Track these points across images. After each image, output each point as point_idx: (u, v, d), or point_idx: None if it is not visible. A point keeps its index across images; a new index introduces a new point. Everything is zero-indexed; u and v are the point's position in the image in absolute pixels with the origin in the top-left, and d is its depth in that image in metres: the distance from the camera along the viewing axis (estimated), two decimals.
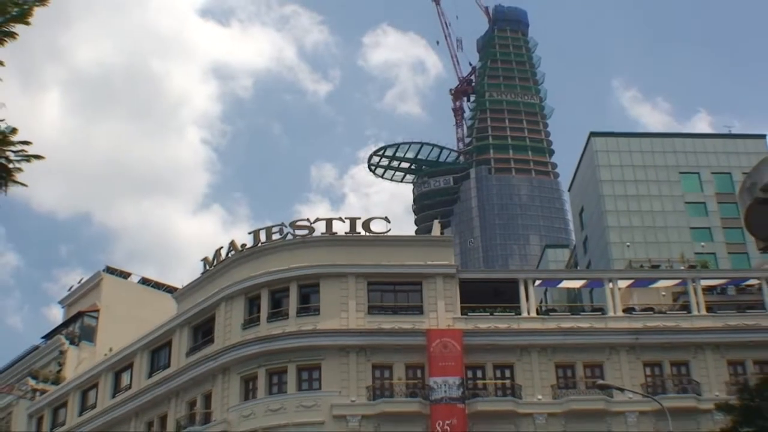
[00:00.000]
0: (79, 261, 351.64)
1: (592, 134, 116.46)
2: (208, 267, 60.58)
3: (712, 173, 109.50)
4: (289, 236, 57.77)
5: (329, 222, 57.92)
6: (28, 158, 10.41)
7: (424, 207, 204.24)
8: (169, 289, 77.23)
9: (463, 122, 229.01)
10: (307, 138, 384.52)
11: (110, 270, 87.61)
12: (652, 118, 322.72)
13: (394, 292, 55.87)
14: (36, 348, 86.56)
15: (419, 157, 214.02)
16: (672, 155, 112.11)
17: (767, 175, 39.39)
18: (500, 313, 56.07)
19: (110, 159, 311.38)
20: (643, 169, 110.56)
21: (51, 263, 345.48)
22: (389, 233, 57.86)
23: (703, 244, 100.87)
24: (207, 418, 55.90)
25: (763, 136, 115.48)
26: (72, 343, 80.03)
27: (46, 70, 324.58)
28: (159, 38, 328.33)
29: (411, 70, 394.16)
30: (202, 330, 59.72)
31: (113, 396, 65.34)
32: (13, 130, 10.05)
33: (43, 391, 75.48)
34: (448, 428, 51.07)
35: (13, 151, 10.26)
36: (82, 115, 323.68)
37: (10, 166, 10.26)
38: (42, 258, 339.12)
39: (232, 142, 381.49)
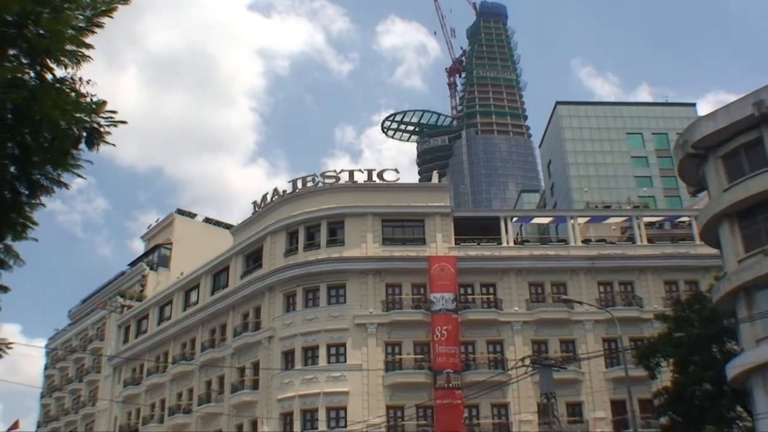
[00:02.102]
0: (155, 205, 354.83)
1: (558, 103, 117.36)
2: (256, 208, 60.73)
3: (653, 133, 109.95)
4: (320, 184, 57.83)
5: (351, 172, 57.89)
6: (114, 123, 10.51)
7: (425, 161, 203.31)
8: (227, 226, 77.44)
9: (456, 94, 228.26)
10: (332, 106, 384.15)
11: (180, 211, 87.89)
12: (604, 89, 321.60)
13: (402, 227, 55.92)
14: (123, 273, 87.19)
15: (421, 121, 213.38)
16: (620, 119, 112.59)
17: (696, 135, 39.53)
18: (485, 244, 56.15)
19: (177, 124, 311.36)
20: (598, 131, 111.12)
21: (132, 207, 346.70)
22: (398, 181, 57.82)
23: (644, 189, 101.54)
24: (257, 326, 56.36)
25: (693, 104, 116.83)
26: (151, 269, 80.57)
27: (124, 53, 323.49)
28: (215, 27, 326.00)
29: (415, 53, 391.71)
30: (253, 257, 59.96)
31: (184, 309, 65.81)
32: (103, 102, 10.16)
33: (129, 307, 76.08)
34: (445, 333, 51.39)
35: (103, 118, 10.38)
36: (154, 89, 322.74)
37: (101, 129, 10.38)
38: (125, 203, 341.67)
39: (273, 110, 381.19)
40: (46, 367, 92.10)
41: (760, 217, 36.70)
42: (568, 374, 48.81)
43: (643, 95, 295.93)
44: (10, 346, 13.81)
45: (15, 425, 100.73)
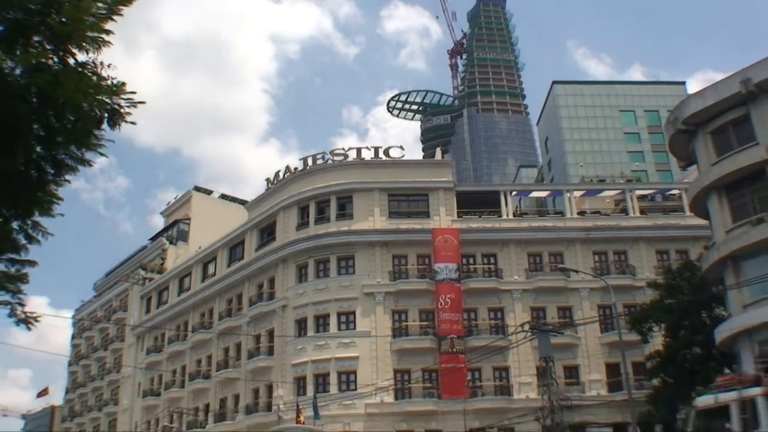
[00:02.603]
0: (173, 183, 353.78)
1: (554, 82, 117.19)
2: (269, 185, 60.72)
3: (644, 111, 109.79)
4: (329, 161, 57.77)
5: (358, 150, 57.80)
6: (134, 104, 10.55)
7: (428, 138, 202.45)
8: (242, 202, 77.46)
9: (457, 75, 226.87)
10: (339, 88, 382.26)
11: (197, 188, 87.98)
12: (598, 69, 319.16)
13: (408, 201, 55.89)
14: (144, 247, 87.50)
15: (425, 101, 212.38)
16: (614, 97, 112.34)
17: (685, 112, 39.43)
18: (486, 216, 56.12)
19: (193, 106, 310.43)
20: (592, 108, 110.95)
21: (151, 185, 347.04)
22: (403, 158, 57.75)
23: (637, 164, 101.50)
24: (271, 296, 56.57)
25: (683, 83, 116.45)
26: (171, 243, 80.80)
27: (142, 38, 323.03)
28: (228, 13, 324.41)
29: (418, 36, 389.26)
30: (267, 231, 60.06)
31: (202, 281, 66.05)
32: (123, 84, 10.19)
33: (150, 279, 76.40)
34: (449, 300, 51.53)
35: (123, 99, 10.42)
36: (171, 73, 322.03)
37: (122, 110, 10.43)
38: (145, 181, 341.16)
39: (285, 92, 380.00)
40: (73, 337, 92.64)
41: (746, 189, 36.72)
42: (565, 339, 48.94)
43: (636, 75, 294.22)
44: (38, 318, 13.93)
45: (45, 391, 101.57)
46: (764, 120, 35.91)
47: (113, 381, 77.60)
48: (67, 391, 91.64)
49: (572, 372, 51.25)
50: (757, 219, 35.34)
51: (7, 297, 13.79)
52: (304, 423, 47.47)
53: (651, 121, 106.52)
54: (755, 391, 21.78)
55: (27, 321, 13.93)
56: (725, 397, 22.71)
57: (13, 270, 13.38)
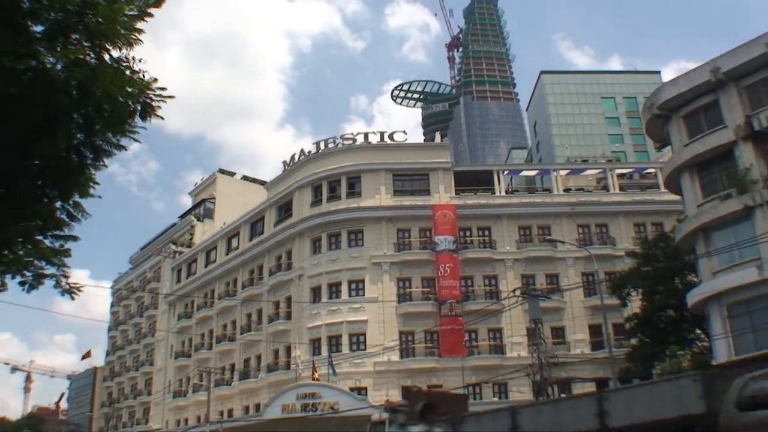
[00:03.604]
0: (199, 165, 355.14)
1: (542, 72, 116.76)
2: (286, 167, 60.66)
3: (623, 97, 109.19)
4: (339, 145, 57.68)
5: (365, 134, 57.73)
6: (164, 99, 10.56)
7: (428, 124, 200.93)
8: (261, 182, 77.36)
9: (454, 66, 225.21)
10: (348, 78, 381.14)
11: (221, 171, 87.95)
12: (581, 60, 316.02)
13: (410, 180, 55.81)
14: (174, 224, 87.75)
15: (425, 90, 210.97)
16: (596, 86, 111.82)
17: (660, 99, 39.31)
18: (481, 193, 56.02)
19: (215, 96, 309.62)
20: (576, 96, 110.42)
21: (179, 168, 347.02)
22: (406, 141, 57.64)
23: (617, 145, 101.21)
24: (289, 267, 56.69)
25: (658, 72, 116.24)
26: (198, 220, 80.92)
27: (167, 35, 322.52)
28: (246, 11, 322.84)
29: (419, 31, 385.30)
30: (284, 208, 60.07)
31: (227, 254, 66.20)
32: (154, 80, 10.18)
33: (180, 253, 76.58)
34: (448, 269, 51.59)
35: (153, 94, 10.41)
36: (195, 66, 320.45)
37: (153, 104, 10.42)
38: (173, 164, 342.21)
39: (299, 82, 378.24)
40: (111, 305, 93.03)
41: (716, 167, 36.73)
42: (553, 303, 48.95)
43: (615, 64, 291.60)
44: (81, 288, 14.00)
45: (88, 354, 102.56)
46: (732, 105, 35.89)
47: (148, 344, 78.03)
48: (107, 354, 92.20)
49: (559, 332, 51.35)
50: (725, 194, 35.37)
51: (52, 270, 13.88)
52: (318, 379, 47.81)
53: (629, 106, 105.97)
54: None
55: (71, 291, 14.03)
56: None
57: (57, 245, 13.46)
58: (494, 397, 48.52)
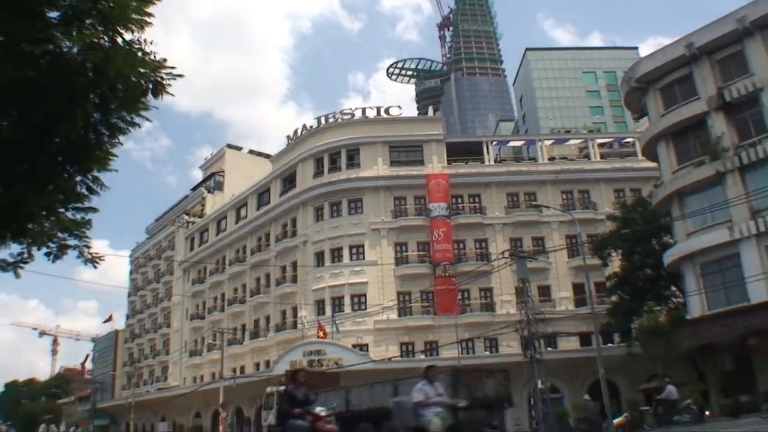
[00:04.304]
0: (208, 141, 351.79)
1: (527, 49, 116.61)
2: (289, 140, 60.44)
3: (603, 72, 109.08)
4: (339, 119, 57.44)
5: (363, 109, 57.40)
6: (174, 77, 10.50)
7: (422, 99, 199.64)
8: (267, 156, 77.11)
9: (445, 44, 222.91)
10: (346, 57, 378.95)
11: (229, 146, 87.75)
12: (564, 37, 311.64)
13: (406, 151, 55.59)
14: (186, 196, 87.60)
15: (418, 67, 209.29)
16: (578, 61, 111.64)
17: (638, 72, 39.28)
18: (472, 163, 55.93)
19: (223, 75, 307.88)
20: (559, 71, 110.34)
21: (190, 144, 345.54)
22: (401, 116, 57.41)
23: (597, 117, 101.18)
24: (294, 234, 56.69)
25: (635, 48, 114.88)
26: (209, 192, 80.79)
27: (176, 19, 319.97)
28: None
29: (411, 12, 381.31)
30: (288, 180, 59.90)
31: (236, 223, 66.16)
32: (164, 60, 10.11)
33: (192, 222, 76.52)
34: (442, 234, 51.64)
35: (164, 73, 10.35)
36: (202, 48, 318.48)
37: (164, 82, 10.37)
38: (184, 140, 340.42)
39: (300, 62, 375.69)
40: (130, 273, 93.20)
41: (690, 136, 36.84)
42: (539, 264, 49.08)
43: (596, 41, 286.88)
44: (102, 258, 14.06)
45: (109, 318, 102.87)
46: (704, 78, 36.00)
47: (165, 308, 78.33)
48: (127, 317, 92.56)
49: (545, 291, 51.49)
50: (699, 161, 35.56)
51: (75, 241, 13.92)
52: (323, 337, 48.07)
53: (609, 80, 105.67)
54: None
55: (93, 260, 14.08)
56: None
57: (78, 218, 13.48)
58: (486, 351, 48.86)
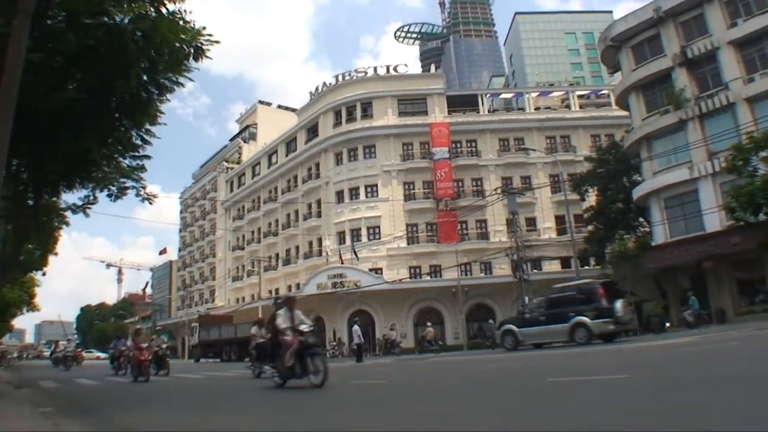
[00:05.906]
0: (241, 98, 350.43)
1: (516, 13, 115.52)
2: (312, 96, 59.99)
3: (582, 33, 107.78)
4: (354, 77, 56.82)
5: (375, 68, 56.63)
6: (212, 43, 10.48)
7: (425, 58, 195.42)
8: (293, 110, 76.59)
9: (445, 10, 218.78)
10: (358, 24, 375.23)
11: (260, 102, 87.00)
12: (548, 2, 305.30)
13: (412, 104, 55.09)
14: (225, 146, 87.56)
15: (422, 30, 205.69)
16: (559, 23, 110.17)
17: (612, 32, 38.76)
18: (469, 113, 55.46)
19: (251, 39, 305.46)
20: (544, 32, 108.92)
21: (226, 101, 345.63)
22: (407, 72, 56.74)
23: (577, 72, 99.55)
24: (318, 176, 56.67)
25: (610, 12, 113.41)
26: (244, 142, 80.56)
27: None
28: None
29: None
30: (312, 130, 59.64)
31: (268, 168, 66.16)
32: (203, 28, 10.09)
33: (231, 168, 76.62)
34: (443, 174, 51.56)
35: (203, 39, 10.32)
36: (233, 16, 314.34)
37: (203, 47, 10.35)
38: (221, 98, 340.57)
39: (319, 27, 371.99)
40: (180, 212, 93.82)
41: (657, 88, 36.83)
42: (527, 199, 49.15)
43: (576, 5, 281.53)
44: (156, 197, 14.33)
45: (164, 251, 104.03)
46: (670, 38, 35.94)
47: (210, 241, 79.10)
48: (179, 250, 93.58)
49: (531, 222, 51.56)
50: (664, 110, 35.65)
51: (132, 184, 14.13)
52: (343, 263, 48.62)
53: (587, 40, 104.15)
54: None
55: (148, 198, 14.33)
56: None
57: (135, 164, 13.65)
58: (481, 273, 49.29)
